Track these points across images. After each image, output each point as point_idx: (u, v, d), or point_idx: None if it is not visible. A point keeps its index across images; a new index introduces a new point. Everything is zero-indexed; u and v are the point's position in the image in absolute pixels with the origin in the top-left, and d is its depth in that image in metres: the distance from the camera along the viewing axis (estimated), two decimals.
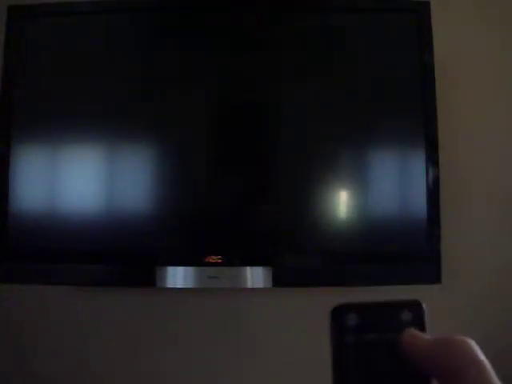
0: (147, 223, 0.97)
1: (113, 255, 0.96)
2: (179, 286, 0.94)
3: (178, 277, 0.94)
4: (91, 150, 0.99)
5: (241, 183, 0.99)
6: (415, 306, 0.30)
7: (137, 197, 0.98)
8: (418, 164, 0.96)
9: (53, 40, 1.00)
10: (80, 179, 0.98)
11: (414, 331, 0.28)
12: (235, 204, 0.98)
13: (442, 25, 1.01)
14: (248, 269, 0.93)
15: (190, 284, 0.94)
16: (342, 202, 0.99)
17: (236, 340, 1.08)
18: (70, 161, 0.99)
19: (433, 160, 0.96)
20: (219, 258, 0.93)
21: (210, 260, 0.93)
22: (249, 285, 0.94)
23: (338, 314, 0.30)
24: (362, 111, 0.98)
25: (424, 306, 0.30)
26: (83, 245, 0.96)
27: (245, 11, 1.01)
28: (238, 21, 1.00)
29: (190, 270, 0.94)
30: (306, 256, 0.96)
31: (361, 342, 0.29)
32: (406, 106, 0.98)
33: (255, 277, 0.93)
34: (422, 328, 0.29)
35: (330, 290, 1.05)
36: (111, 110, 0.99)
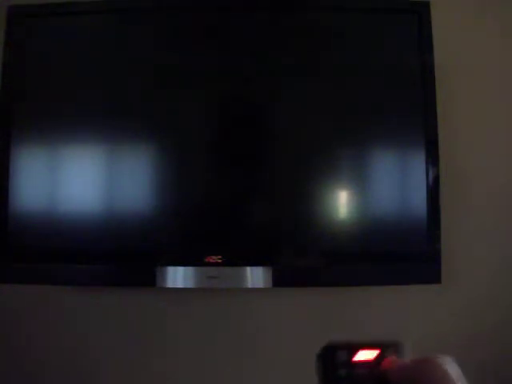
0: (147, 223, 0.97)
1: (113, 255, 0.96)
2: (179, 285, 0.94)
3: (177, 277, 0.94)
4: (91, 150, 0.99)
5: (241, 183, 0.99)
6: (396, 347, 0.33)
7: (137, 197, 0.98)
8: (418, 164, 0.96)
9: (53, 40, 1.00)
10: (80, 179, 0.98)
11: (393, 358, 0.32)
12: (235, 204, 0.98)
13: (441, 25, 1.02)
14: (248, 269, 0.94)
15: (189, 284, 0.94)
16: (342, 202, 0.99)
17: (236, 340, 1.08)
18: (70, 161, 0.99)
19: (433, 160, 0.96)
20: (219, 258, 0.93)
21: (210, 260, 0.93)
22: (249, 285, 0.94)
23: (330, 351, 0.33)
24: (362, 111, 0.98)
25: (404, 345, 0.33)
26: (83, 245, 0.96)
27: (245, 11, 1.01)
28: (239, 20, 1.00)
29: (190, 269, 0.94)
30: (306, 256, 0.96)
31: (352, 377, 0.32)
32: (406, 106, 0.98)
33: (255, 277, 0.93)
34: None
35: (330, 290, 1.05)
36: (111, 110, 0.99)
